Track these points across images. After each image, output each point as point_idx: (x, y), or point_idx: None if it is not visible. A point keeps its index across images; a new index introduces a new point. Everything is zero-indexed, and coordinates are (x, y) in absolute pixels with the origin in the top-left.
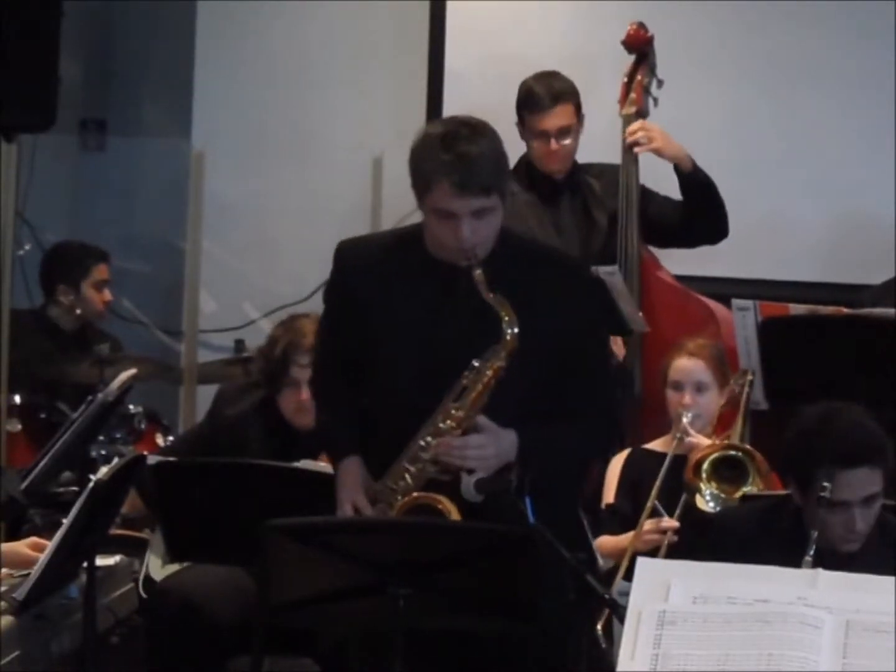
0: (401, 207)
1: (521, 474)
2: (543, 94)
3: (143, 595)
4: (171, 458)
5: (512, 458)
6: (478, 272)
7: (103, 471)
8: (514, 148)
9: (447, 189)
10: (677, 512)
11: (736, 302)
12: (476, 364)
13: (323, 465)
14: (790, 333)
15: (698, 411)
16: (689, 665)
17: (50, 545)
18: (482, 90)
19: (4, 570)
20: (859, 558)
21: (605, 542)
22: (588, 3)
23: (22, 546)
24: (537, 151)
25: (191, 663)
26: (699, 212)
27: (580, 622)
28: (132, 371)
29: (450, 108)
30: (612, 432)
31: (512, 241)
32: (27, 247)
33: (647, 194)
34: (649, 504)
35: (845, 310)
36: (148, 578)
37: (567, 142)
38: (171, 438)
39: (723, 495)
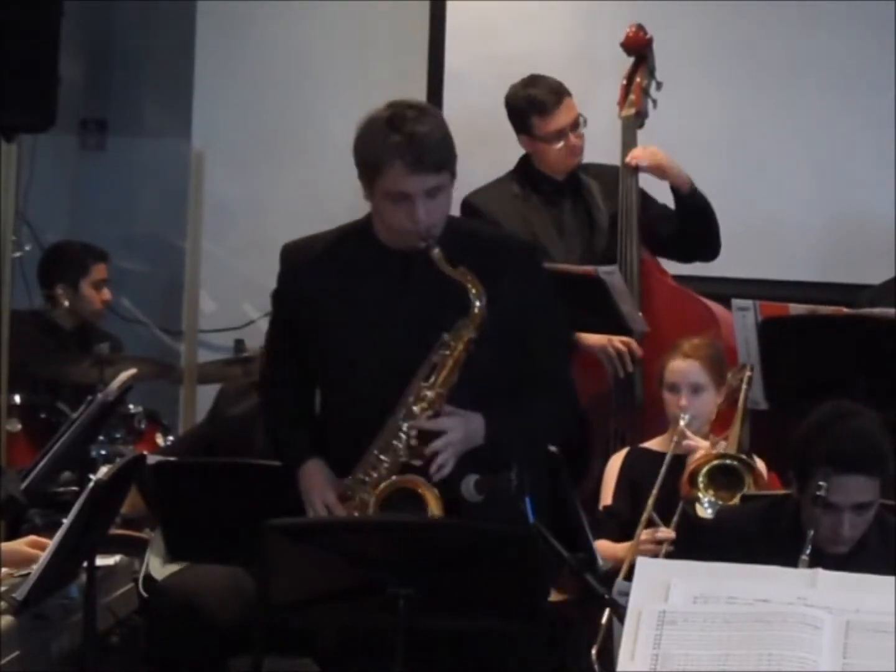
0: None
1: (522, 474)
2: (546, 95)
3: (144, 595)
4: (171, 458)
5: (479, 442)
6: (436, 250)
7: (103, 471)
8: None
9: (400, 169)
10: (674, 520)
11: (736, 302)
12: (446, 337)
13: None
14: (790, 333)
15: (695, 412)
16: (689, 665)
17: (50, 545)
18: (482, 90)
19: (4, 570)
20: (857, 558)
21: (603, 548)
22: (587, 4)
23: (21, 545)
24: (555, 154)
25: (191, 663)
26: (693, 233)
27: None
28: (132, 371)
29: (450, 108)
30: (571, 410)
31: (458, 226)
32: (27, 247)
33: (646, 199)
34: (645, 515)
35: (845, 310)
36: (148, 578)
37: (581, 133)
38: (171, 438)
39: (720, 502)
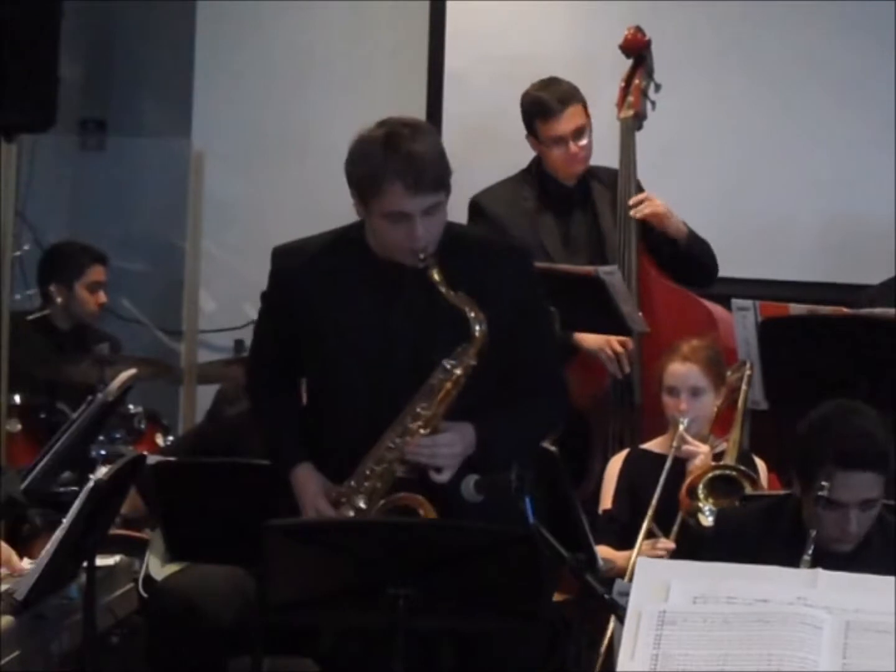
0: None
1: (522, 474)
2: (552, 99)
3: (144, 595)
4: (171, 458)
5: (472, 450)
6: (434, 271)
7: (103, 471)
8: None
9: (399, 191)
10: (674, 530)
11: (736, 302)
12: (447, 366)
13: None
14: (790, 333)
15: (695, 416)
16: (689, 665)
17: (50, 545)
18: (482, 90)
19: (4, 570)
20: (859, 558)
21: (603, 554)
22: (586, 5)
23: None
24: (557, 159)
25: (191, 663)
26: (689, 272)
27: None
28: (132, 371)
29: (450, 109)
30: (561, 407)
31: (449, 231)
32: (26, 247)
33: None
34: (645, 525)
35: (845, 310)
36: (148, 578)
37: (584, 142)
38: (171, 438)
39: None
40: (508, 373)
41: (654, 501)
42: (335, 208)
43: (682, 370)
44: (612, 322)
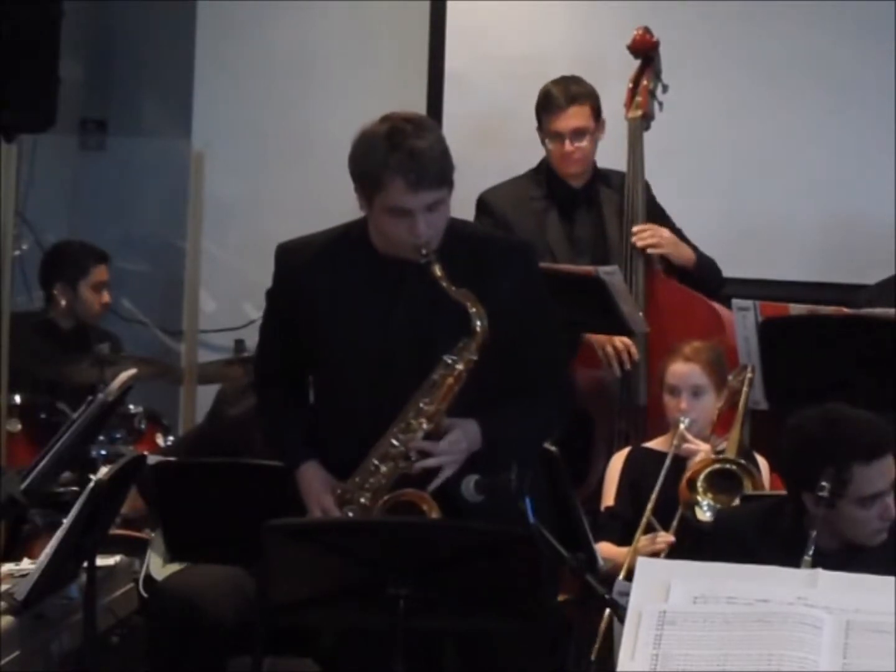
0: None
1: (522, 474)
2: (560, 95)
3: (144, 595)
4: (171, 459)
5: (477, 447)
6: (436, 267)
7: (103, 471)
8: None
9: (402, 187)
10: (673, 525)
11: (736, 302)
12: (449, 361)
13: None
14: (790, 333)
15: (695, 416)
16: (689, 665)
17: (50, 545)
18: (482, 90)
19: (4, 570)
20: (859, 558)
21: (604, 550)
22: (587, 4)
23: None
24: (553, 153)
25: (191, 663)
26: (696, 287)
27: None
28: (132, 371)
29: (450, 109)
30: (567, 404)
31: (452, 228)
32: (24, 246)
33: (662, 215)
34: (644, 521)
35: (845, 310)
36: (148, 578)
37: (582, 144)
38: (171, 438)
39: (719, 505)
40: (513, 369)
41: (653, 496)
42: (335, 208)
43: (683, 370)
44: (612, 322)
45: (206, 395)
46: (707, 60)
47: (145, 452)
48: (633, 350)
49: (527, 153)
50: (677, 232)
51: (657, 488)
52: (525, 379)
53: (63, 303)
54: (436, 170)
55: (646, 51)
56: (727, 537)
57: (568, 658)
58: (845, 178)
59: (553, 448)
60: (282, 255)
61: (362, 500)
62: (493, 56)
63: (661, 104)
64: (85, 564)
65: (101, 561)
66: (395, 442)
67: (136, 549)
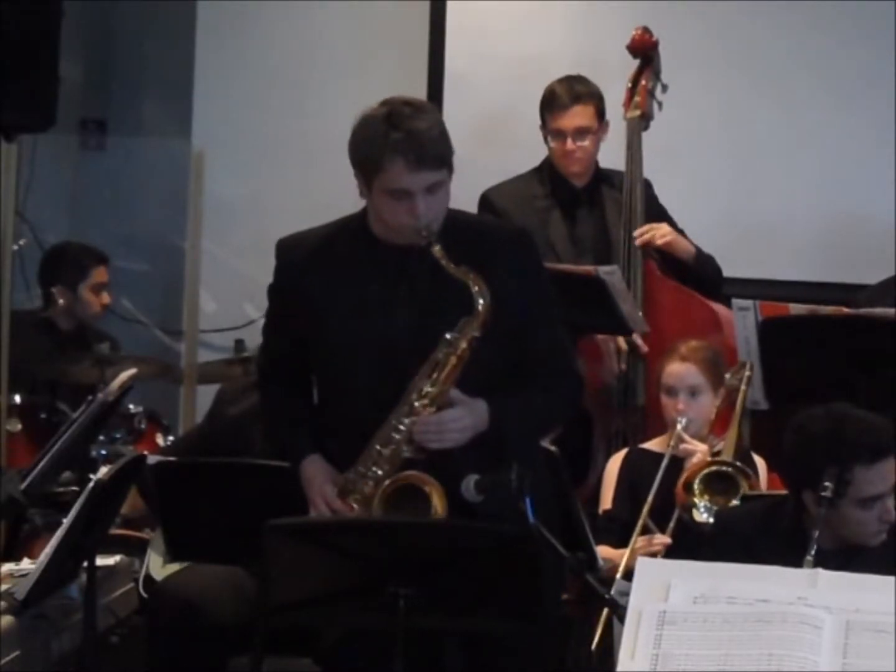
0: None
1: (522, 474)
2: (563, 94)
3: (144, 595)
4: (171, 458)
5: (484, 428)
6: (437, 247)
7: (103, 471)
8: (520, 149)
9: (401, 167)
10: (670, 526)
11: (736, 302)
12: (449, 337)
13: None
14: (790, 333)
15: (693, 415)
16: (689, 665)
17: (50, 545)
18: (482, 90)
19: (4, 570)
20: (859, 558)
21: (603, 553)
22: (587, 4)
23: None
24: (555, 152)
25: (191, 663)
26: (696, 285)
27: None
28: (132, 371)
29: (450, 109)
30: (576, 390)
31: (452, 215)
32: (21, 241)
33: (663, 215)
34: (640, 522)
35: (845, 310)
36: (148, 578)
37: (584, 143)
38: (171, 438)
39: (716, 507)
40: (519, 357)
41: (650, 498)
42: (335, 208)
43: (679, 370)
44: (612, 322)
45: (206, 395)
46: (707, 60)
47: (145, 452)
48: (641, 345)
49: (527, 153)
50: (679, 232)
51: (654, 489)
52: (532, 366)
53: (61, 304)
54: (435, 150)
55: (645, 51)
56: (727, 537)
57: (568, 658)
58: (845, 178)
59: (553, 448)
60: (281, 249)
61: (366, 488)
62: (493, 56)
63: (660, 104)
64: (85, 564)
65: (101, 561)
66: (398, 426)
67: (136, 549)
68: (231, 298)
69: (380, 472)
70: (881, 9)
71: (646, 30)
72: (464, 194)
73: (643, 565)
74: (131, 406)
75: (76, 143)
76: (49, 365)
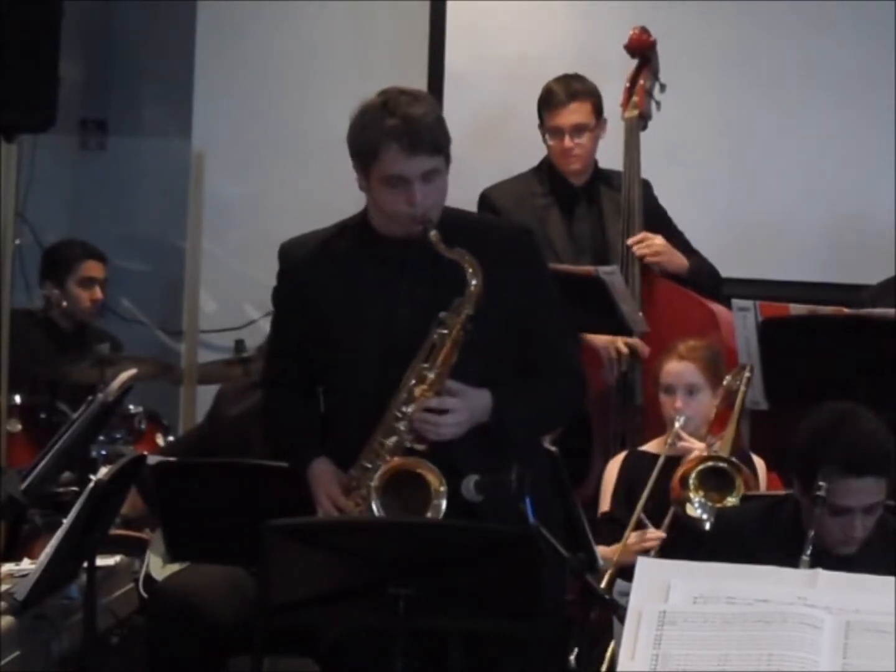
0: None
1: (522, 474)
2: (560, 91)
3: (144, 595)
4: (171, 458)
5: (485, 419)
6: (433, 232)
7: (103, 471)
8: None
9: (396, 153)
10: (666, 522)
11: (736, 302)
12: (442, 316)
13: None
14: (790, 333)
15: (691, 414)
16: (689, 665)
17: (50, 545)
18: (482, 90)
19: (4, 570)
20: (859, 558)
21: (601, 554)
22: (587, 4)
23: None
24: (553, 149)
25: (191, 663)
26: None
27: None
28: (132, 371)
29: (450, 109)
30: (578, 388)
31: (455, 215)
32: (17, 241)
33: (663, 217)
34: (634, 518)
35: (845, 310)
36: (148, 578)
37: (582, 141)
38: (171, 438)
39: (710, 503)
40: (522, 355)
41: (644, 495)
42: (335, 208)
43: (677, 368)
44: (612, 322)
45: (206, 395)
46: (706, 60)
47: (145, 452)
48: (641, 346)
49: (526, 153)
50: (678, 235)
51: (649, 486)
52: (534, 364)
53: (53, 300)
54: (430, 136)
55: (643, 50)
56: (727, 537)
57: (569, 658)
58: (845, 178)
59: (553, 448)
60: (283, 253)
61: (371, 483)
62: (493, 56)
63: (658, 104)
64: (85, 564)
65: (101, 561)
66: (398, 415)
67: (136, 549)
68: (231, 298)
69: (381, 465)
70: (881, 9)
71: (644, 29)
72: (463, 193)
73: (643, 565)
74: (131, 406)
75: (76, 143)
76: (49, 365)
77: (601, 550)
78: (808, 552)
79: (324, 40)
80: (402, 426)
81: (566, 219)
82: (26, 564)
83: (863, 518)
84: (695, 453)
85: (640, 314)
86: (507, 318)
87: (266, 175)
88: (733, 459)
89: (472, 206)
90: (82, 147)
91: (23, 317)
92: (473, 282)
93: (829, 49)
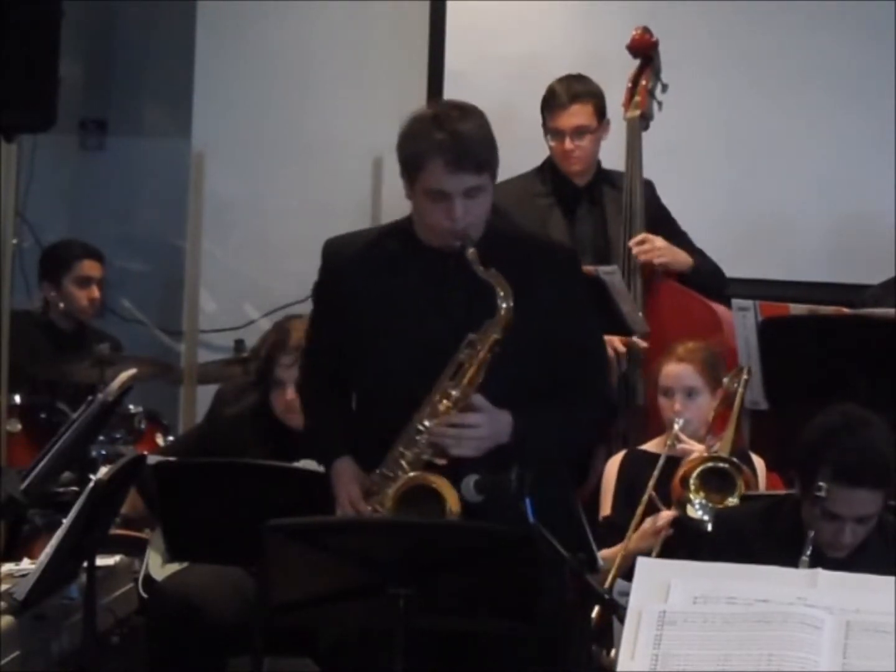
0: (401, 207)
1: (522, 474)
2: (562, 93)
3: (144, 595)
4: (171, 458)
5: (506, 439)
6: (471, 250)
7: (103, 471)
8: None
9: (440, 168)
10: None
11: (736, 302)
12: (471, 337)
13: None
14: (790, 333)
15: (690, 416)
16: (689, 665)
17: (50, 545)
18: (482, 90)
19: (4, 570)
20: (859, 559)
21: (603, 556)
22: (588, 4)
23: None
24: (554, 151)
25: (191, 663)
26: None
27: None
28: (132, 371)
29: None
30: (605, 413)
31: (497, 228)
32: (14, 240)
33: (666, 217)
34: (635, 521)
35: (845, 310)
36: (148, 578)
37: (583, 143)
38: (171, 438)
39: (711, 504)
40: (554, 372)
41: (644, 497)
42: (335, 208)
43: (676, 370)
44: (612, 322)
45: (206, 395)
46: (707, 60)
47: (145, 452)
48: (640, 344)
49: (527, 153)
50: (682, 235)
51: (650, 486)
52: (564, 386)
53: (50, 300)
54: (477, 154)
55: (644, 50)
56: (727, 537)
57: (569, 658)
58: (846, 178)
59: None
60: (328, 250)
61: (389, 490)
62: (493, 56)
63: (660, 104)
64: (85, 564)
65: (101, 561)
66: (420, 428)
67: (136, 549)
68: (231, 298)
69: (401, 475)
70: (881, 9)
71: (646, 30)
72: None
73: (643, 565)
74: (131, 406)
75: (76, 143)
76: (49, 365)
77: (602, 552)
78: (808, 552)
79: (324, 40)
80: (422, 440)
81: (568, 219)
82: (26, 564)
83: (853, 527)
84: (695, 454)
85: (641, 314)
86: (541, 338)
87: (266, 175)
88: (734, 459)
89: None
90: (82, 147)
91: (23, 317)
92: (504, 305)
93: (830, 49)
